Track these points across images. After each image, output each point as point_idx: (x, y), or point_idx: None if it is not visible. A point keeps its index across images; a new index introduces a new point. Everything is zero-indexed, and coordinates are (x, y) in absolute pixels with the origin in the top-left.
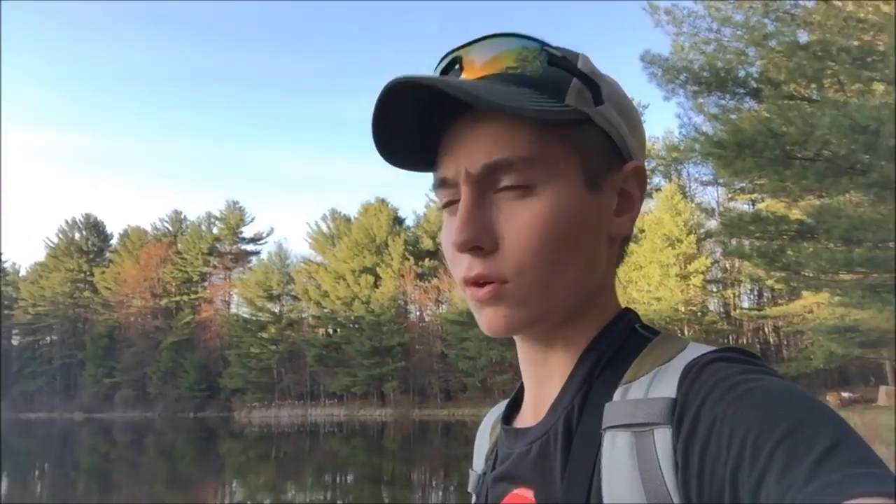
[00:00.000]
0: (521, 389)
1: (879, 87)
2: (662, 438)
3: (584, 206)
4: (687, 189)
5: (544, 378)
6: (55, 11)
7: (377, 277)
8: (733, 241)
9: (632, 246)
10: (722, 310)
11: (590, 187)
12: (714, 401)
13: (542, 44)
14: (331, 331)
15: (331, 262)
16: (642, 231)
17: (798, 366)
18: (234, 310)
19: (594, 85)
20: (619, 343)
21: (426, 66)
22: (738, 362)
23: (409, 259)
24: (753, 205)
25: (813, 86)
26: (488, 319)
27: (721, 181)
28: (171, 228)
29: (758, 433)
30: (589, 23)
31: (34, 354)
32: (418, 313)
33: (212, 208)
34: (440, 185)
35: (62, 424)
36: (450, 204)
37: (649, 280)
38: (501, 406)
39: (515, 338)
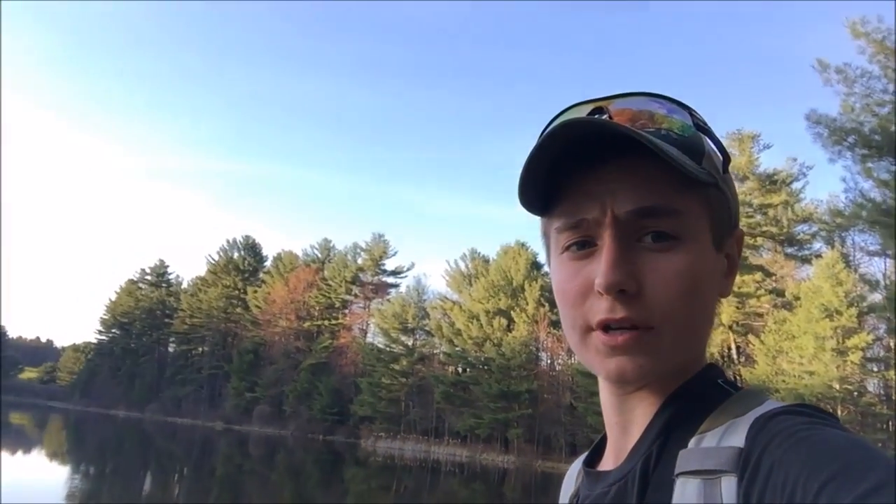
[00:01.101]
0: (605, 436)
1: None
2: (728, 486)
3: (713, 266)
4: (851, 258)
5: (626, 425)
6: (224, 43)
7: (510, 321)
8: None
9: (785, 314)
10: (882, 392)
11: (717, 248)
12: (773, 448)
13: (690, 109)
14: (460, 369)
15: (466, 301)
16: (798, 299)
17: None
18: (370, 339)
19: (725, 154)
20: (699, 395)
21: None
22: (805, 416)
23: (544, 305)
24: None
25: None
26: (619, 366)
27: (889, 252)
28: (319, 255)
29: (808, 475)
30: (751, 79)
31: (186, 363)
32: (549, 361)
33: (359, 239)
34: (573, 226)
35: (203, 432)
36: (579, 247)
37: (802, 352)
38: (588, 451)
39: (601, 385)
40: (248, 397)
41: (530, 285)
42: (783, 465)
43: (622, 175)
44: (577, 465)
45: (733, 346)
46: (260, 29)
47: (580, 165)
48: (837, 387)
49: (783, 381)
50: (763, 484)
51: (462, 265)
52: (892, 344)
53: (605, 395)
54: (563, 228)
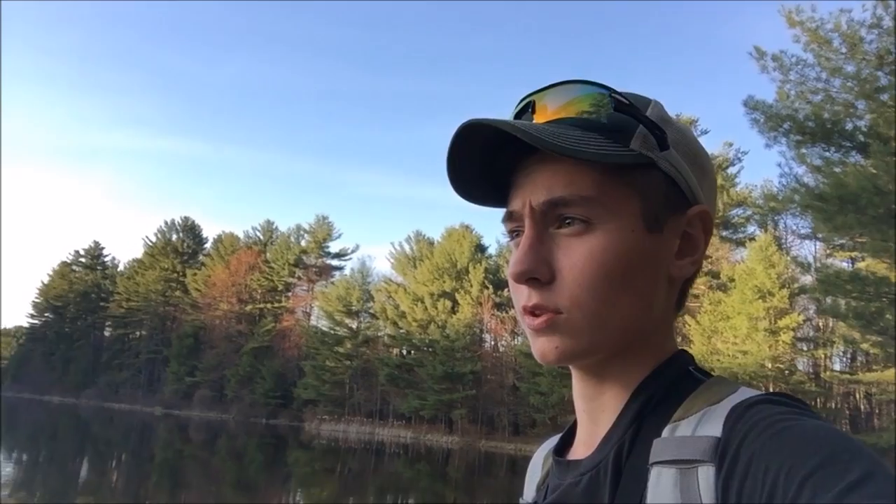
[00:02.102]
0: (575, 423)
1: None
2: (705, 476)
3: (641, 246)
4: (783, 241)
5: (597, 413)
6: (168, 25)
7: (455, 303)
8: (829, 300)
9: (720, 295)
10: (811, 370)
11: (649, 228)
12: (752, 438)
13: (611, 91)
14: (405, 352)
15: (411, 284)
16: (732, 280)
17: (889, 437)
18: (313, 322)
19: (659, 130)
20: (671, 382)
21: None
22: (782, 405)
23: (488, 287)
24: (853, 263)
25: None
26: (541, 348)
27: (820, 236)
28: (261, 237)
29: (790, 466)
30: (691, 64)
31: (123, 347)
32: (493, 343)
33: (302, 221)
34: (508, 217)
35: (142, 417)
36: (515, 236)
37: (736, 332)
38: (555, 439)
39: (572, 372)
40: (188, 382)
41: (475, 268)
42: (764, 456)
43: (541, 166)
44: (543, 451)
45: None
46: (197, 6)
47: (517, 160)
48: (770, 365)
49: (718, 360)
50: (743, 475)
51: (407, 247)
52: (821, 324)
53: (575, 382)
54: (503, 220)
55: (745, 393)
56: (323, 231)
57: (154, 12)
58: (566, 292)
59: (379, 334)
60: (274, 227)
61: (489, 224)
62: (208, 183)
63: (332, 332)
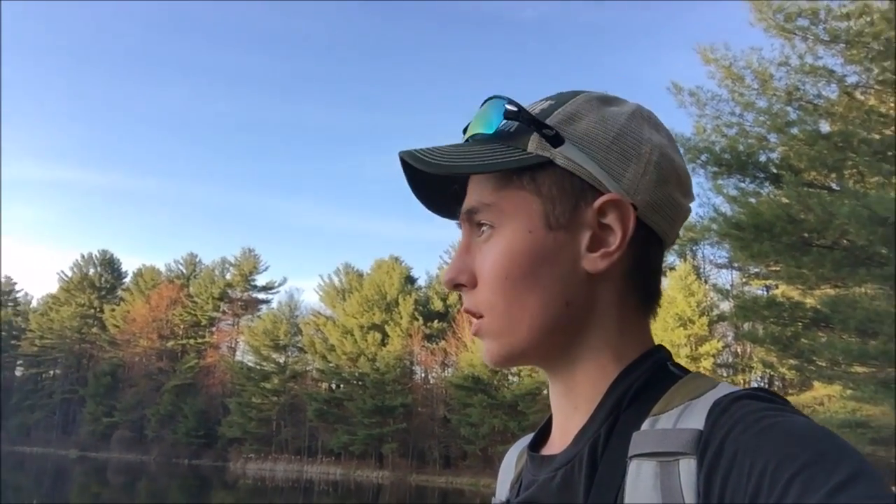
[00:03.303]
0: (550, 419)
1: None
2: (687, 468)
3: (541, 244)
4: (701, 270)
5: (570, 409)
6: (85, 49)
7: (385, 335)
8: (747, 326)
9: None
10: None
11: (549, 226)
12: (738, 433)
13: (507, 100)
14: (334, 386)
15: (340, 317)
16: None
17: None
18: (239, 357)
19: (545, 128)
20: (647, 377)
21: (453, 125)
22: (765, 401)
23: (418, 319)
24: (767, 291)
25: (833, 175)
26: (481, 351)
27: (736, 265)
28: (184, 270)
29: (777, 464)
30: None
31: (36, 387)
32: (423, 375)
33: (227, 254)
34: (459, 227)
35: (56, 460)
36: None
37: None
38: (529, 436)
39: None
40: (106, 422)
41: (404, 299)
42: (749, 451)
43: (470, 181)
44: (516, 449)
45: None
46: (117, 33)
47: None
48: None
49: None
50: (727, 469)
51: (336, 280)
52: (739, 350)
53: (548, 378)
54: None
55: (726, 388)
56: (249, 264)
57: (72, 40)
58: (481, 296)
59: (307, 369)
60: (197, 260)
61: (419, 256)
62: (128, 215)
63: (258, 367)
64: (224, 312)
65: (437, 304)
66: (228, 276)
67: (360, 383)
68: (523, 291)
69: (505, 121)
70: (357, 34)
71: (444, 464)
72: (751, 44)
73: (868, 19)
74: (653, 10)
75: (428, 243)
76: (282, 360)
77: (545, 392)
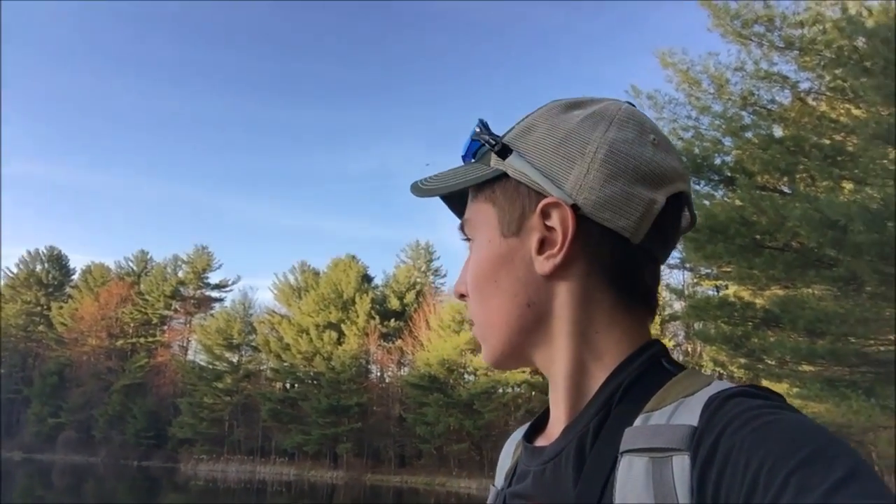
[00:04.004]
0: (548, 409)
1: (848, 186)
2: (680, 465)
3: (498, 252)
4: None
5: (559, 404)
6: (33, 41)
7: (341, 334)
8: (698, 325)
9: None
10: None
11: (503, 234)
12: (732, 431)
13: (478, 123)
14: (288, 385)
15: (295, 315)
16: None
17: None
18: (191, 356)
19: (494, 143)
20: (639, 373)
21: (410, 124)
22: (760, 398)
23: (374, 318)
24: (717, 291)
25: (785, 179)
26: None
27: (688, 265)
28: (135, 268)
29: (773, 462)
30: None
31: None
32: (379, 374)
33: (180, 251)
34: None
35: None
36: None
37: None
38: (526, 425)
39: None
40: (52, 423)
41: (361, 298)
42: (745, 449)
43: None
44: (514, 438)
45: None
46: (68, 24)
47: None
48: None
49: None
50: (721, 466)
51: (291, 278)
52: (689, 349)
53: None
54: None
55: (720, 385)
56: (202, 261)
57: (20, 32)
58: (469, 305)
59: (261, 368)
60: (149, 257)
61: (375, 255)
62: (77, 211)
63: (210, 366)
64: (176, 311)
65: (394, 303)
66: (181, 274)
67: (315, 383)
68: (490, 296)
69: (473, 142)
70: (315, 31)
71: (400, 463)
72: (708, 48)
73: (821, 28)
74: (615, 12)
75: (385, 243)
76: (235, 359)
77: (501, 391)
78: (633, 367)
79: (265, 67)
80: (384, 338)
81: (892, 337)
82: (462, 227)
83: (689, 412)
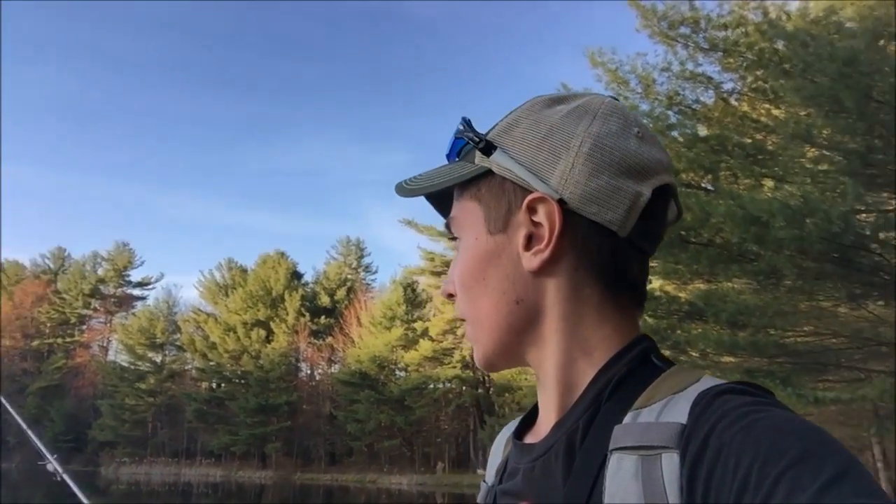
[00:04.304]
0: (537, 405)
1: (769, 183)
2: (669, 463)
3: (485, 249)
4: None
5: (548, 401)
6: None
7: (270, 332)
8: None
9: None
10: None
11: (490, 231)
12: (722, 428)
13: (462, 121)
14: (215, 385)
15: (222, 313)
16: None
17: None
18: (112, 357)
19: (478, 140)
20: (628, 369)
21: (341, 126)
22: (749, 394)
23: (304, 315)
24: None
25: (709, 176)
26: (473, 354)
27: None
28: (52, 265)
29: (764, 460)
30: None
31: None
32: (309, 372)
33: (100, 248)
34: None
35: None
36: None
37: None
38: (517, 420)
39: None
40: None
41: (290, 295)
42: (734, 448)
43: None
44: (504, 434)
45: None
46: None
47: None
48: None
49: (525, 378)
50: (711, 466)
51: (217, 275)
52: None
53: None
54: None
55: (709, 381)
56: (123, 258)
57: None
58: (458, 303)
59: (186, 368)
60: (66, 254)
61: (305, 251)
62: None
63: (133, 367)
64: (95, 310)
65: (325, 300)
66: (100, 272)
67: (242, 382)
68: (478, 295)
69: (457, 140)
70: (244, 24)
71: (330, 461)
72: (637, 49)
73: (743, 30)
74: (547, 11)
75: (315, 239)
76: (158, 359)
77: (432, 386)
78: (623, 364)
79: (192, 58)
80: (314, 335)
81: (808, 328)
82: (448, 226)
83: (677, 409)
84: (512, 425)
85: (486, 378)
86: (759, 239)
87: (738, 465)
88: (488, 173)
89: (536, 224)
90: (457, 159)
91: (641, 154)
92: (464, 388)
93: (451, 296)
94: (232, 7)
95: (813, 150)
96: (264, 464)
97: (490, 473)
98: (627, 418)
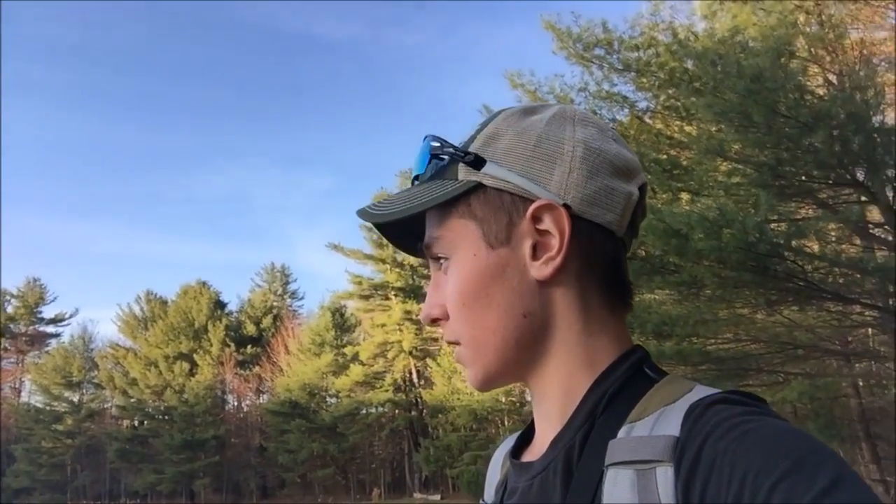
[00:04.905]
0: (533, 423)
1: (686, 196)
2: (664, 476)
3: (486, 264)
4: None
5: (546, 417)
6: None
7: (194, 364)
8: None
9: None
10: None
11: (490, 245)
12: (715, 439)
13: (432, 138)
14: (137, 423)
15: (142, 348)
16: None
17: None
18: (25, 398)
19: (466, 154)
20: (622, 382)
21: (261, 152)
22: (741, 404)
23: (229, 345)
24: None
25: None
26: (467, 378)
27: None
28: None
29: (758, 471)
30: (420, 120)
31: None
32: (236, 404)
33: (8, 285)
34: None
35: None
36: None
37: None
38: (513, 438)
39: None
40: None
41: (214, 325)
42: (728, 458)
43: (426, 220)
44: (501, 452)
45: (413, 370)
46: None
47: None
48: (504, 399)
49: (458, 398)
50: (705, 477)
51: (136, 308)
52: None
53: (529, 389)
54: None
55: (701, 391)
56: (34, 295)
57: None
58: (454, 326)
59: (106, 406)
60: None
61: (228, 279)
62: None
63: (48, 407)
64: (6, 349)
65: (250, 329)
66: (10, 310)
67: (166, 418)
68: (481, 313)
69: (433, 158)
70: (161, 49)
71: (262, 494)
72: (554, 70)
73: (655, 51)
74: (467, 34)
75: (238, 267)
76: (76, 398)
77: (364, 412)
78: (617, 376)
79: (105, 84)
80: (241, 365)
81: (728, 335)
82: (425, 249)
83: (670, 421)
84: (508, 442)
85: (419, 400)
86: (680, 251)
87: (733, 477)
88: (477, 188)
89: (542, 232)
90: (427, 179)
91: (623, 155)
92: (396, 411)
93: (435, 321)
94: (146, 33)
95: (726, 163)
96: (193, 501)
97: (489, 492)
98: (622, 432)
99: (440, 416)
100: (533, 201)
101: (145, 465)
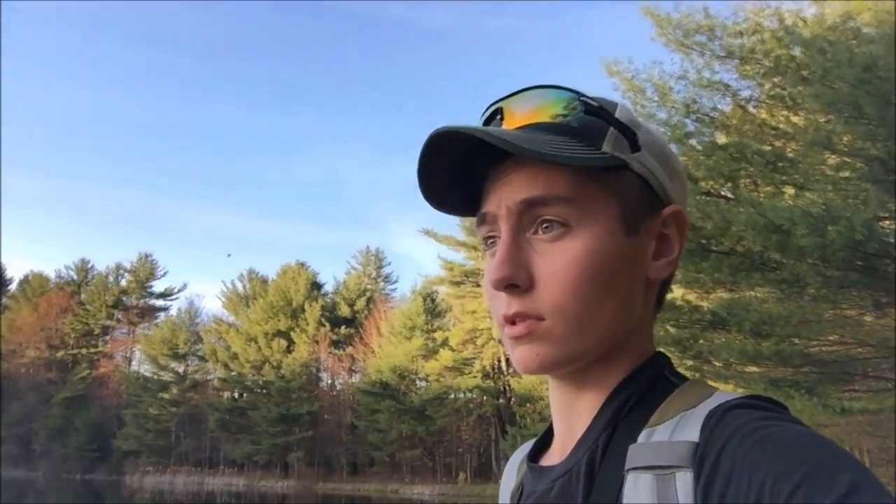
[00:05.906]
0: (551, 428)
1: (790, 191)
2: (684, 481)
3: (621, 249)
4: None
5: (573, 418)
6: None
7: (290, 342)
8: None
9: None
10: None
11: (627, 231)
12: (734, 445)
13: (579, 94)
14: (237, 395)
15: (243, 324)
16: None
17: None
18: (135, 367)
19: (630, 132)
20: (646, 387)
21: (362, 129)
22: (760, 409)
23: (324, 325)
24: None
25: (729, 184)
26: (522, 356)
27: None
28: (76, 277)
29: (776, 477)
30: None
31: None
32: (330, 382)
33: (123, 259)
34: (481, 220)
35: None
36: (489, 242)
37: None
38: (529, 444)
39: (548, 377)
40: None
41: (310, 305)
42: (747, 464)
43: (515, 171)
44: (517, 457)
45: (503, 358)
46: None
47: (489, 168)
48: None
49: (547, 389)
50: (724, 483)
51: (239, 286)
52: None
53: (552, 386)
54: (476, 225)
55: (721, 397)
56: (146, 270)
57: None
58: (548, 298)
59: (208, 377)
60: (90, 265)
61: (325, 261)
62: (13, 219)
63: (155, 377)
64: (119, 321)
65: (345, 310)
66: (123, 283)
67: (264, 391)
68: (602, 296)
69: (583, 115)
70: (266, 37)
71: (352, 471)
72: (653, 57)
73: (759, 38)
74: (564, 19)
75: (335, 249)
76: (181, 369)
77: (452, 396)
78: (642, 381)
79: (214, 72)
80: (335, 345)
81: (832, 338)
82: (535, 203)
83: (690, 427)
84: (525, 448)
85: (507, 388)
86: (782, 247)
87: (752, 482)
88: (621, 167)
89: (663, 235)
90: (568, 137)
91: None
92: (484, 398)
93: (513, 286)
94: (257, 22)
95: (833, 156)
96: (286, 473)
97: (504, 497)
98: (642, 437)
99: (528, 405)
100: (662, 201)
101: (243, 436)
